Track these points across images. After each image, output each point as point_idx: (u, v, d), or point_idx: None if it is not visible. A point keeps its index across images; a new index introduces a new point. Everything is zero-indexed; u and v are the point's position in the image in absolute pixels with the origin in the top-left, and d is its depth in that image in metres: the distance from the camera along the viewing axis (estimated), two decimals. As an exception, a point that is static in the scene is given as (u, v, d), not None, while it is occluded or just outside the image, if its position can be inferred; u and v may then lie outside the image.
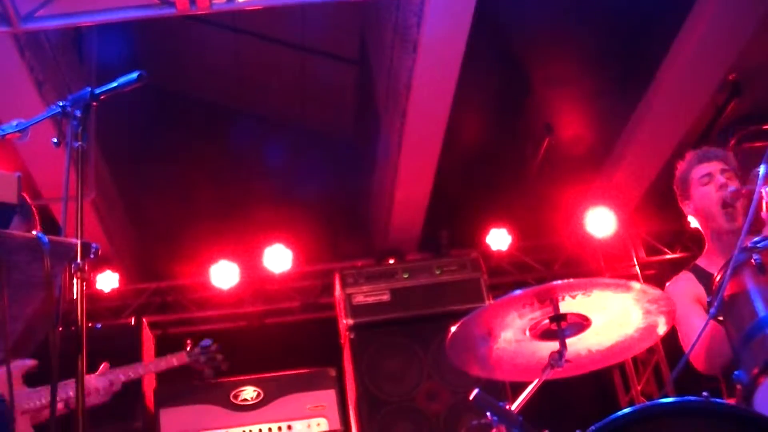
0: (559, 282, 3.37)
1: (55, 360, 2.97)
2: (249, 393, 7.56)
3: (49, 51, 7.29)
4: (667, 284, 4.50)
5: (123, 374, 5.42)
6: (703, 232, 4.59)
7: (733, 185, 4.36)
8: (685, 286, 4.35)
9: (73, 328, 3.80)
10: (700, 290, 4.31)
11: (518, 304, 3.42)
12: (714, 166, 4.48)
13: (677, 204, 4.70)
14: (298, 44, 9.13)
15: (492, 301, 3.58)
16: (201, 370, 6.31)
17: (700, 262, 4.54)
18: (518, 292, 3.39)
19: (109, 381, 5.13)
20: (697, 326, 4.06)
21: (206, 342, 6.10)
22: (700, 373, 4.12)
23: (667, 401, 2.89)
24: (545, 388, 3.53)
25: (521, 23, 8.02)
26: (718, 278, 3.41)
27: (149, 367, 5.90)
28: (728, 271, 3.26)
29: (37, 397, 4.78)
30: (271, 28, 8.92)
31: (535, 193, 9.48)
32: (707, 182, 4.45)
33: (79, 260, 2.94)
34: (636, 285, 3.43)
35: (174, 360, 5.95)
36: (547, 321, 3.49)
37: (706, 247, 4.57)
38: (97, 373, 5.13)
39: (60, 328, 3.41)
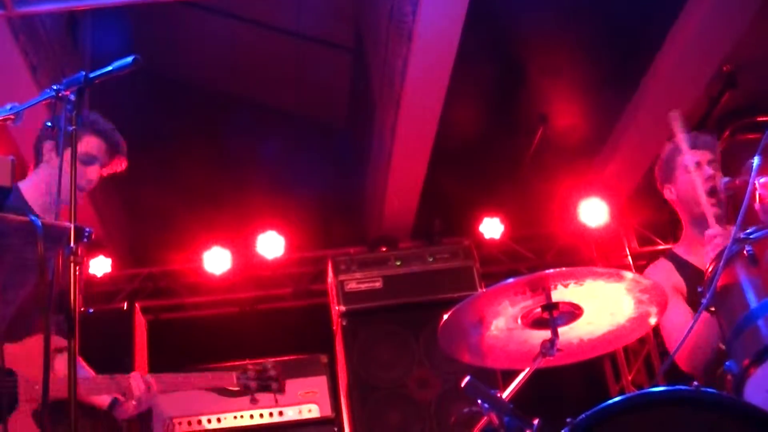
0: (552, 270, 3.37)
1: (47, 343, 2.97)
2: (240, 379, 7.56)
3: (44, 35, 7.28)
4: (646, 271, 4.50)
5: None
6: (681, 217, 4.59)
7: (719, 176, 4.36)
8: (664, 276, 4.33)
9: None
10: (679, 280, 4.33)
11: (510, 293, 3.42)
12: (702, 155, 4.47)
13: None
14: (294, 31, 9.11)
15: (484, 289, 3.57)
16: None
17: (677, 249, 4.54)
18: (511, 280, 3.39)
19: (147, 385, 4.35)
20: (679, 321, 4.08)
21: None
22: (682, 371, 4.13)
23: (658, 390, 2.90)
24: (536, 376, 3.54)
25: (516, 13, 8.01)
26: (710, 269, 3.42)
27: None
28: (721, 262, 3.27)
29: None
30: (267, 15, 8.90)
31: (529, 183, 9.49)
32: (692, 172, 4.44)
33: (72, 244, 2.93)
34: (628, 275, 3.44)
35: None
36: (539, 309, 3.50)
37: (683, 233, 4.57)
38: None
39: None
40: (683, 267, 4.36)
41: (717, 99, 8.35)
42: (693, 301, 4.19)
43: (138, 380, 4.26)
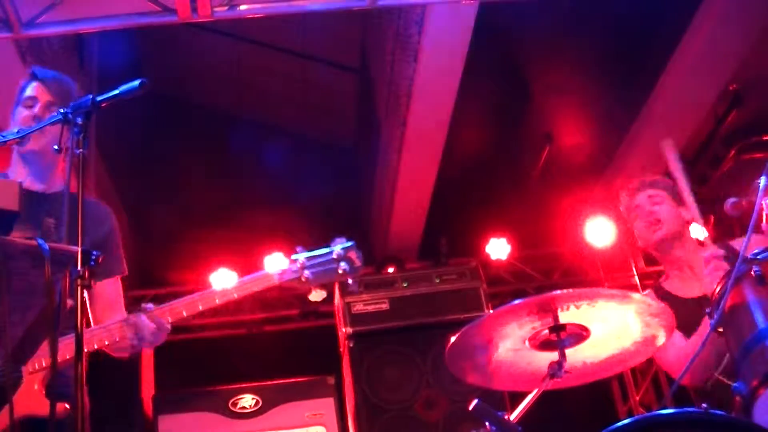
0: (560, 292, 3.37)
1: (54, 365, 2.97)
2: (247, 401, 7.56)
3: (51, 56, 7.30)
4: None
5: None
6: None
7: (665, 205, 4.46)
8: None
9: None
10: None
11: (519, 314, 3.42)
12: (640, 198, 4.60)
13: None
14: (299, 52, 9.14)
15: (492, 311, 3.57)
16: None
17: (663, 282, 4.61)
18: (519, 301, 3.39)
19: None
20: (671, 342, 4.10)
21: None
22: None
23: (666, 412, 2.89)
24: (544, 398, 3.53)
25: (522, 32, 8.03)
26: (718, 290, 3.41)
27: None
28: (729, 283, 3.26)
29: None
30: (272, 36, 8.93)
31: (535, 202, 9.47)
32: (636, 216, 4.60)
33: (79, 267, 2.93)
34: (639, 297, 3.44)
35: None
36: (546, 331, 3.49)
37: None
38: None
39: None
40: (662, 296, 4.40)
41: (723, 118, 8.35)
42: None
43: (146, 323, 3.93)
